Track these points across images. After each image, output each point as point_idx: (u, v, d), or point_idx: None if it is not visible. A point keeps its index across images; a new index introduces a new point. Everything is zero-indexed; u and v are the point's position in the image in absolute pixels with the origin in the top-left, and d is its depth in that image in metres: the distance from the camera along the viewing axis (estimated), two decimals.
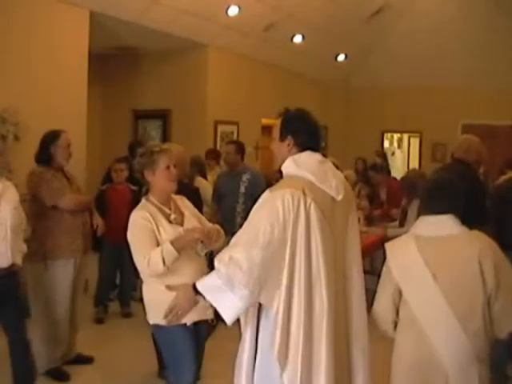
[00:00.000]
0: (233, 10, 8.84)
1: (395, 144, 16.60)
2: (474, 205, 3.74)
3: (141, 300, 6.79)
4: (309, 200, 2.65)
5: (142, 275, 3.55)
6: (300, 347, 2.60)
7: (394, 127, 14.45)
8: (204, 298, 2.67)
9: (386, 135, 14.90)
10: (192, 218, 3.70)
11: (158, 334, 3.61)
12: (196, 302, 2.74)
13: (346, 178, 3.07)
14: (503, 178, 5.78)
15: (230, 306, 2.62)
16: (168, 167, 3.57)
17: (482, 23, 11.39)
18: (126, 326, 6.29)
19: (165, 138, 10.25)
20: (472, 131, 12.12)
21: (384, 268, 3.01)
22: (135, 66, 10.48)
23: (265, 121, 11.67)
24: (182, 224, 3.60)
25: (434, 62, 12.38)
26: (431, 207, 2.92)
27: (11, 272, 4.12)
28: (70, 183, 4.99)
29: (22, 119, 6.43)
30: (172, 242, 3.31)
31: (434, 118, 12.98)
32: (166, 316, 2.78)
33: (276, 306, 2.62)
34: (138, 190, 6.42)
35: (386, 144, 15.34)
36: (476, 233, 2.88)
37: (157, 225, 3.46)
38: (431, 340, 2.73)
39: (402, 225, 6.84)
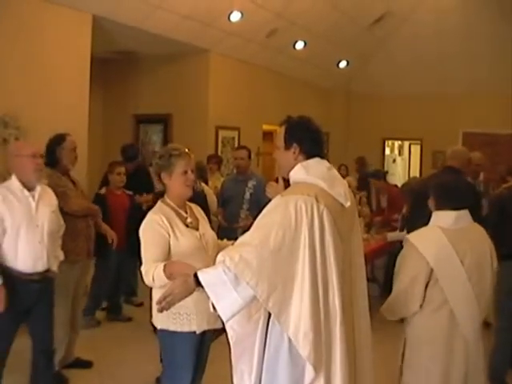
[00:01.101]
0: (235, 16, 8.85)
1: (396, 151, 16.63)
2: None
3: (140, 305, 6.87)
4: (321, 206, 2.65)
5: None
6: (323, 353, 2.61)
7: (395, 134, 14.45)
8: (203, 289, 2.59)
9: (387, 142, 14.90)
10: (206, 224, 3.67)
11: (163, 338, 3.56)
12: (192, 293, 2.67)
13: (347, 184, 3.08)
14: (504, 186, 5.79)
15: (230, 304, 2.56)
16: (185, 172, 3.50)
17: (484, 30, 11.39)
18: (124, 330, 6.28)
19: (166, 142, 10.22)
20: (473, 139, 12.25)
21: (403, 258, 3.39)
22: (137, 70, 10.49)
23: (266, 126, 11.69)
24: (197, 228, 3.55)
25: (435, 69, 12.39)
26: (451, 203, 3.35)
27: (45, 277, 4.08)
28: (76, 187, 5.01)
29: (23, 123, 6.44)
30: (165, 266, 3.16)
31: (435, 126, 12.98)
32: (158, 302, 2.67)
33: (289, 313, 2.59)
34: (133, 195, 6.50)
35: (387, 151, 15.35)
36: (481, 226, 3.44)
37: (172, 228, 3.40)
38: (457, 315, 3.22)
39: (402, 231, 6.84)
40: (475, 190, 5.41)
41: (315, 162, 2.86)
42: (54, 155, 4.81)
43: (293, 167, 2.88)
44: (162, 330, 3.47)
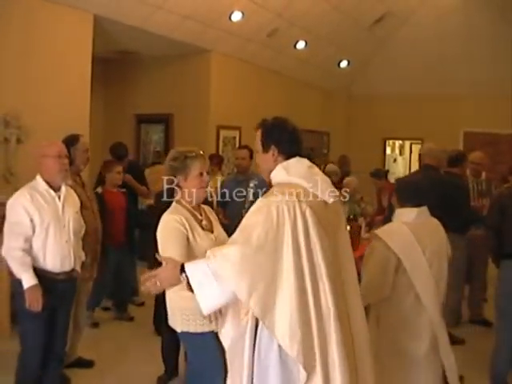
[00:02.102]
0: (236, 16, 8.86)
1: (397, 151, 16.63)
2: (445, 199, 5.20)
3: (141, 305, 6.86)
4: (304, 206, 2.64)
5: None
6: (317, 350, 2.58)
7: (395, 134, 14.45)
8: (187, 280, 2.58)
9: (387, 142, 14.90)
10: (218, 226, 3.66)
11: (188, 340, 3.53)
12: (178, 282, 2.65)
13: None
14: (505, 185, 5.80)
15: (210, 296, 2.57)
16: (201, 174, 3.49)
17: (485, 31, 11.39)
18: (125, 329, 6.29)
19: (167, 142, 10.27)
20: (474, 139, 12.26)
21: (372, 250, 3.71)
22: (138, 70, 10.50)
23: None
24: (212, 231, 3.54)
25: (436, 69, 12.40)
26: (413, 201, 3.74)
27: (71, 277, 4.12)
28: (85, 190, 5.04)
29: (24, 123, 6.46)
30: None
31: (436, 126, 12.97)
32: (143, 281, 2.66)
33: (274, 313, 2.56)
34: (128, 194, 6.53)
35: (388, 151, 15.36)
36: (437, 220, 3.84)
37: (192, 230, 3.39)
38: (422, 299, 3.57)
39: None
40: (459, 184, 5.95)
41: (295, 162, 2.85)
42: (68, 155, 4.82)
43: (273, 169, 2.88)
44: (184, 333, 3.44)
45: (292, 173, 2.81)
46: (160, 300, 5.33)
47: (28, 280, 3.79)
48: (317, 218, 2.67)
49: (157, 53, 9.81)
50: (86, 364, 5.14)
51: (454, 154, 6.28)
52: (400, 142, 16.28)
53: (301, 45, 10.84)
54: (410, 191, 3.80)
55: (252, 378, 2.69)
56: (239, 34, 9.56)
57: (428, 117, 13.16)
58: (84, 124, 7.39)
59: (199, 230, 3.44)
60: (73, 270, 4.11)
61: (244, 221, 2.71)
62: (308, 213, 2.64)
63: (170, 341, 4.77)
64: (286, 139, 2.89)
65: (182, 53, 9.69)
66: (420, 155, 5.96)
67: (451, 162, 6.17)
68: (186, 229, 3.37)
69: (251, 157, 6.55)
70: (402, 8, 11.51)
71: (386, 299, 3.61)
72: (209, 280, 2.54)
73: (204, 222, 3.52)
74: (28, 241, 3.85)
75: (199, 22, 8.65)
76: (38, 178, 4.00)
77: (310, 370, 2.56)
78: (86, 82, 7.51)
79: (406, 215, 3.73)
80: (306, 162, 2.88)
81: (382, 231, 3.76)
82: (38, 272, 3.86)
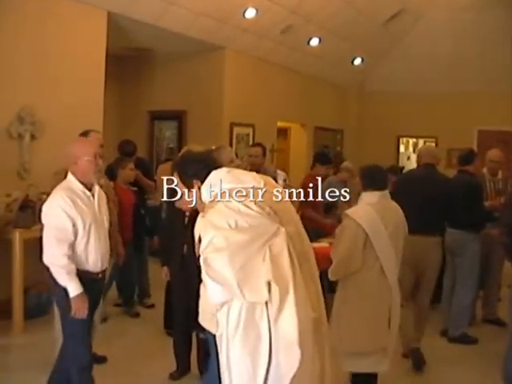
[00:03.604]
0: (250, 13, 8.85)
1: (410, 149, 16.55)
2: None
3: (151, 307, 6.81)
4: (240, 198, 2.74)
5: None
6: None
7: (409, 132, 14.41)
8: None
9: (401, 140, 14.85)
10: None
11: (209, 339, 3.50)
12: None
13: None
14: None
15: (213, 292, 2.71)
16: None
17: (499, 28, 11.31)
18: (137, 326, 6.30)
19: (180, 139, 10.28)
20: (488, 137, 12.19)
21: (344, 229, 4.21)
22: (152, 67, 10.52)
23: (280, 123, 11.67)
24: None
25: (450, 67, 12.34)
26: (373, 185, 4.24)
27: (104, 275, 4.10)
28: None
29: (39, 119, 6.49)
30: None
31: (450, 124, 12.92)
32: None
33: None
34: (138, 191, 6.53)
35: (402, 149, 15.29)
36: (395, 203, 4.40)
37: None
38: (385, 269, 4.14)
39: None
40: (471, 183, 6.01)
41: (213, 175, 2.91)
42: None
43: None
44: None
45: (213, 184, 2.88)
46: (170, 301, 5.37)
47: (74, 289, 3.70)
48: (265, 203, 2.77)
49: (171, 50, 9.81)
50: (99, 360, 5.12)
51: (465, 152, 6.24)
52: (414, 139, 16.21)
53: (314, 41, 10.81)
54: (371, 177, 4.32)
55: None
56: (253, 31, 9.56)
57: (442, 115, 13.11)
58: (98, 120, 7.41)
59: None
60: (106, 267, 4.09)
61: (203, 241, 2.77)
62: (251, 208, 2.72)
63: (182, 338, 4.79)
64: (202, 169, 2.95)
65: (195, 50, 9.69)
66: (418, 155, 6.00)
67: (463, 161, 6.14)
68: None
69: (264, 154, 6.53)
70: (416, 5, 11.45)
71: (354, 273, 4.15)
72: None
73: None
74: (71, 247, 3.75)
75: (213, 18, 8.65)
76: (72, 178, 3.87)
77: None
78: (100, 78, 7.53)
79: (369, 198, 4.24)
80: (223, 169, 2.95)
81: (351, 212, 4.24)
82: (80, 274, 3.77)
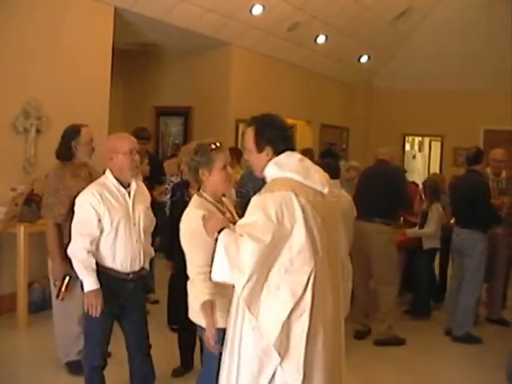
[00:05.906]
0: (257, 9, 8.84)
1: (416, 147, 16.52)
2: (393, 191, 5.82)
3: (155, 303, 6.81)
4: (302, 200, 2.73)
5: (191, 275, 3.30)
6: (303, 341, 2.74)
7: (415, 130, 14.38)
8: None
9: (407, 138, 14.82)
10: (237, 218, 3.56)
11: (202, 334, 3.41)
12: (212, 236, 2.90)
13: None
14: None
15: (219, 267, 2.79)
16: (225, 166, 3.35)
17: (507, 26, 11.23)
18: None
19: (186, 135, 10.29)
20: (494, 136, 12.14)
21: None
22: (158, 62, 10.52)
23: (287, 120, 11.63)
24: (234, 223, 3.47)
25: (457, 65, 12.29)
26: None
27: (140, 276, 3.94)
28: (94, 179, 4.94)
29: (44, 113, 6.49)
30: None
31: (456, 123, 12.89)
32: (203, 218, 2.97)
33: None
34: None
35: (407, 147, 15.26)
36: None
37: None
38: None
39: (422, 227, 6.83)
40: (478, 182, 6.02)
41: (286, 157, 2.90)
42: (69, 148, 4.72)
43: (266, 166, 2.93)
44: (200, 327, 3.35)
45: (285, 168, 2.86)
46: (173, 297, 5.37)
47: (89, 284, 3.64)
48: (314, 209, 2.76)
49: (177, 45, 9.81)
50: None
51: (473, 152, 6.21)
52: (419, 138, 16.18)
53: (321, 39, 10.80)
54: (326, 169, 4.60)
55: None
56: (260, 28, 9.54)
57: (448, 113, 13.08)
58: (104, 115, 7.43)
59: None
60: (142, 268, 3.94)
61: (245, 218, 2.83)
62: (305, 205, 2.73)
63: (187, 334, 4.78)
64: (279, 138, 2.93)
65: (202, 46, 9.69)
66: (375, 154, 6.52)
67: (471, 161, 6.12)
68: None
69: None
70: (423, 3, 11.40)
71: None
72: (223, 256, 2.77)
73: (227, 215, 3.43)
74: (94, 242, 3.69)
75: (220, 15, 8.64)
76: (109, 174, 3.81)
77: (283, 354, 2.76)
78: (107, 73, 7.52)
79: None
80: (296, 155, 2.94)
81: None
82: (107, 271, 3.74)
